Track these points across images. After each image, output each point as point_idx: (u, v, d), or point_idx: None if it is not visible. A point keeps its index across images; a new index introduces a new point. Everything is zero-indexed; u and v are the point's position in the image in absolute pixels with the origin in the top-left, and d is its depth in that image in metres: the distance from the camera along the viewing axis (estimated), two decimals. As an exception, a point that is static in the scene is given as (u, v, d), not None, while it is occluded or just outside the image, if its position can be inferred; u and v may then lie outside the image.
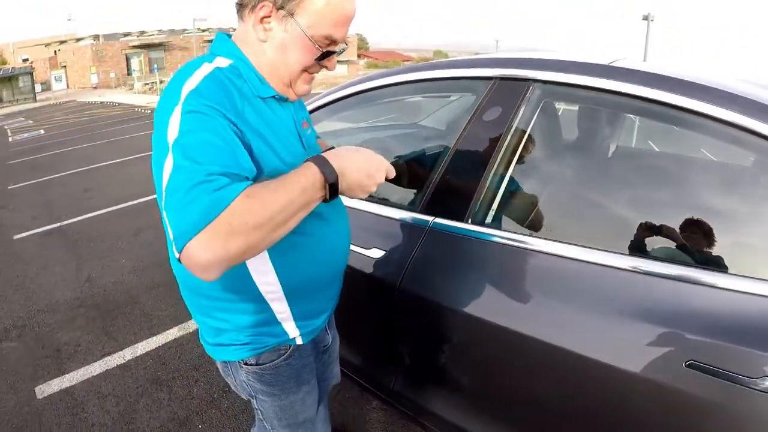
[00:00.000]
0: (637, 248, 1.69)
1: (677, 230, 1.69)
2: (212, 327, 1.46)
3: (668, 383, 1.44)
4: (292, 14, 1.23)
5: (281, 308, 1.41)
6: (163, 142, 1.11)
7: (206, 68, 1.22)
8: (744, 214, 1.71)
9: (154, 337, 3.86)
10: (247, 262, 1.29)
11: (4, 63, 63.52)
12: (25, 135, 21.78)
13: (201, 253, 0.99)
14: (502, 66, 2.11)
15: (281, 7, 1.23)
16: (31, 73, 48.84)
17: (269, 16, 1.25)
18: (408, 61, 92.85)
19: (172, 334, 3.89)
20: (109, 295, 4.67)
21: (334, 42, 1.27)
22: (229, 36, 1.36)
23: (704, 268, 1.51)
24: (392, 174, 1.32)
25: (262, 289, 1.36)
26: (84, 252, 5.88)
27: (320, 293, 1.50)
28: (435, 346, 2.05)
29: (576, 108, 2.41)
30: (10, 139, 20.94)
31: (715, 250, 1.59)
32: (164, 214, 1.08)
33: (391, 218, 2.20)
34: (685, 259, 1.63)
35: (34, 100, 46.18)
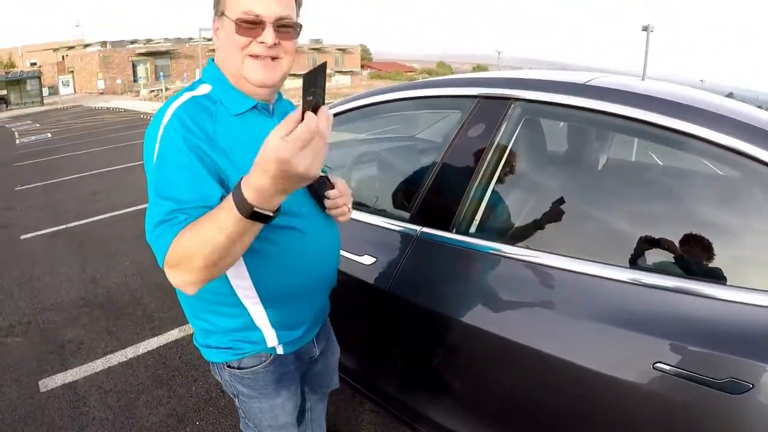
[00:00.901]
0: (613, 256, 1.80)
1: (650, 239, 1.82)
2: (202, 328, 1.59)
3: (639, 383, 1.56)
4: (222, 13, 1.39)
5: (258, 313, 1.50)
6: (150, 178, 1.28)
7: (183, 98, 1.36)
8: (711, 222, 1.84)
9: (156, 338, 3.98)
10: None
11: (13, 66, 63.84)
12: (33, 138, 21.94)
13: (169, 277, 1.17)
14: (486, 85, 2.27)
15: (217, 13, 1.41)
16: (39, 77, 49.05)
17: (217, 28, 1.43)
18: (411, 72, 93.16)
19: (174, 335, 4.02)
20: (113, 295, 4.80)
21: (257, 17, 1.35)
22: (213, 59, 1.51)
23: (674, 276, 1.65)
24: (299, 138, 0.96)
25: (240, 294, 1.46)
26: (89, 253, 6.02)
27: (298, 304, 1.57)
28: (422, 348, 2.19)
29: (559, 123, 2.57)
30: (18, 142, 21.10)
31: (687, 258, 1.73)
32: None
33: (382, 227, 2.34)
34: (658, 267, 1.75)
35: (42, 103, 46.35)
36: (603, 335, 1.65)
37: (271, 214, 1.07)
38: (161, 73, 42.56)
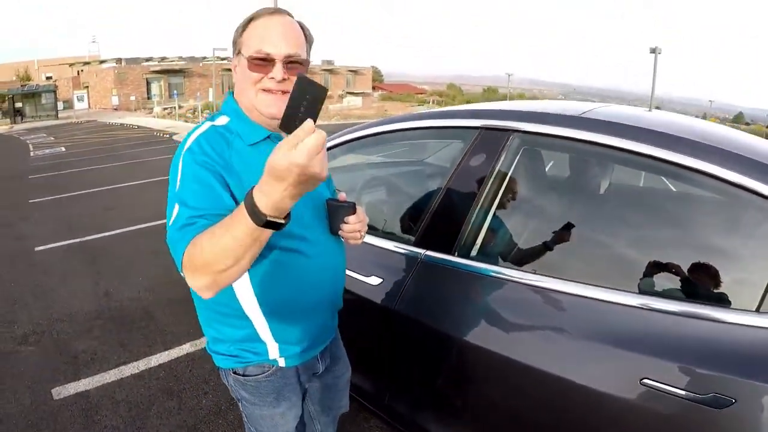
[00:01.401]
0: (605, 278, 1.94)
1: (640, 262, 1.97)
2: (212, 336, 1.72)
3: (627, 398, 1.68)
4: (240, 51, 1.57)
5: (262, 326, 1.61)
6: (172, 190, 1.44)
7: (204, 128, 1.54)
8: (697, 246, 2.01)
9: (167, 351, 4.10)
10: None
11: (29, 79, 64.60)
12: (47, 151, 22.26)
13: (187, 280, 1.29)
14: (487, 117, 2.44)
15: (235, 52, 1.59)
16: (55, 91, 49.61)
17: (235, 64, 1.61)
18: (421, 93, 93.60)
19: (185, 349, 4.14)
20: (125, 309, 4.93)
21: (267, 55, 1.51)
22: (232, 93, 1.68)
23: (662, 297, 1.79)
24: (310, 147, 1.06)
25: (244, 306, 1.58)
26: (102, 267, 6.16)
27: (299, 321, 1.66)
28: (426, 366, 2.31)
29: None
30: (32, 154, 21.43)
31: (674, 280, 1.87)
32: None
33: (389, 250, 2.49)
34: (648, 289, 1.89)
35: (56, 117, 46.76)
36: (594, 353, 1.79)
37: (283, 222, 1.15)
38: (175, 91, 42.95)
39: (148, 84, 54.91)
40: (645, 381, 1.63)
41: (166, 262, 6.17)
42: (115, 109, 50.80)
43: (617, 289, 1.84)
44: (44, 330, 4.50)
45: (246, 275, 1.52)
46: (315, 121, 1.11)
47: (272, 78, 1.52)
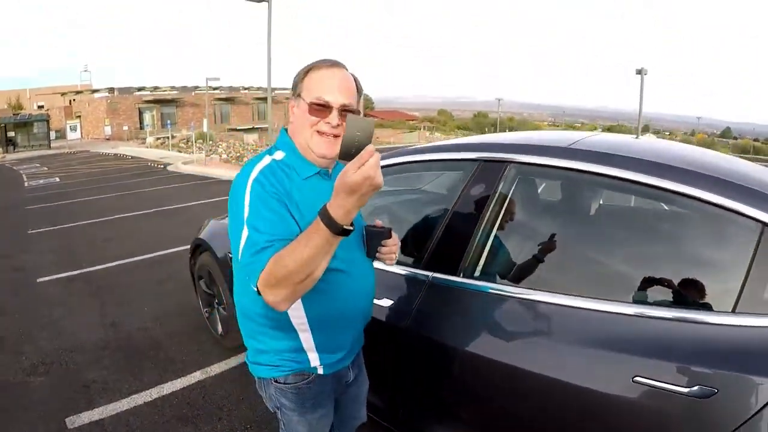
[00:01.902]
0: (597, 290, 2.17)
1: (629, 274, 2.25)
2: (255, 348, 1.91)
3: (622, 395, 1.88)
4: (300, 95, 1.78)
5: (307, 338, 1.82)
6: (240, 217, 1.63)
7: (266, 160, 1.76)
8: (677, 258, 2.23)
9: (179, 379, 4.18)
10: None
11: (21, 108, 64.66)
12: (41, 181, 22.33)
13: (266, 296, 1.53)
14: (485, 150, 2.68)
15: (294, 94, 1.81)
16: (47, 121, 49.54)
17: (293, 105, 1.82)
18: (412, 120, 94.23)
19: (196, 377, 4.22)
20: (133, 339, 5.00)
21: (326, 102, 1.72)
22: (286, 129, 1.89)
23: (649, 305, 2.03)
24: (372, 164, 1.38)
25: (293, 321, 1.79)
26: (107, 299, 6.22)
27: (339, 332, 1.89)
28: (436, 380, 2.49)
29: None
30: (26, 185, 21.50)
31: (659, 289, 2.08)
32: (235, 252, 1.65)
33: (398, 273, 2.68)
34: (637, 297, 2.11)
35: (49, 147, 46.73)
36: (590, 357, 1.99)
37: (352, 228, 1.46)
38: (168, 121, 43.02)
39: (141, 114, 55.03)
40: (637, 379, 1.83)
41: (170, 292, 6.32)
42: (108, 139, 50.87)
43: (609, 300, 2.05)
44: (53, 360, 4.55)
45: None
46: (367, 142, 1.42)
47: (328, 123, 1.74)
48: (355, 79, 1.84)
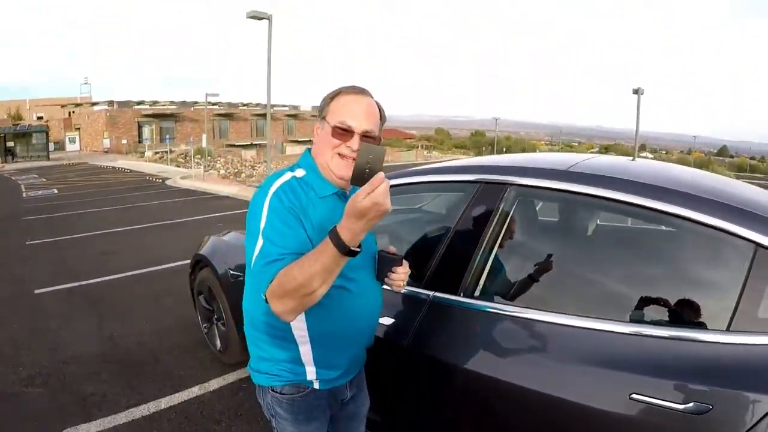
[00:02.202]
0: (595, 309, 2.24)
1: (626, 294, 2.31)
2: (257, 355, 1.97)
3: (619, 413, 1.92)
4: (324, 118, 1.87)
5: (306, 351, 1.87)
6: (256, 227, 1.71)
7: (286, 177, 1.84)
8: (673, 278, 2.28)
9: (177, 393, 4.19)
10: None
11: (20, 119, 64.76)
12: (39, 192, 22.32)
13: (273, 306, 1.62)
14: (486, 173, 2.73)
15: (320, 116, 1.91)
16: (46, 132, 49.54)
17: (318, 127, 1.91)
18: (410, 138, 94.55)
19: (194, 392, 4.23)
20: (131, 353, 5.01)
21: (349, 127, 1.81)
22: (309, 150, 1.98)
23: (645, 324, 2.09)
24: (381, 191, 1.47)
25: (295, 332, 1.85)
26: (105, 312, 6.23)
27: (337, 349, 1.93)
28: (437, 397, 2.52)
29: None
30: (24, 195, 21.48)
31: (656, 309, 2.13)
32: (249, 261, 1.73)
33: (400, 293, 2.65)
34: (633, 317, 2.16)
35: (48, 158, 46.68)
36: (588, 375, 2.04)
37: (359, 250, 1.54)
38: (167, 136, 43.16)
39: (140, 127, 55.21)
40: (633, 396, 1.88)
41: (168, 307, 6.33)
42: (106, 152, 50.94)
43: (606, 319, 2.10)
44: (50, 372, 4.56)
45: None
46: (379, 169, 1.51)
47: (349, 146, 1.82)
48: (380, 107, 1.92)
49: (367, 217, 1.47)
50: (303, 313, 1.76)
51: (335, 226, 1.53)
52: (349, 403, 2.12)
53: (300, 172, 1.88)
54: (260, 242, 1.68)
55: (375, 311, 2.05)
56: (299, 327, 1.84)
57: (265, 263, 1.64)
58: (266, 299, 1.62)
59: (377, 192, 1.45)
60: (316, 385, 1.93)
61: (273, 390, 1.93)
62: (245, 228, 1.81)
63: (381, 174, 1.48)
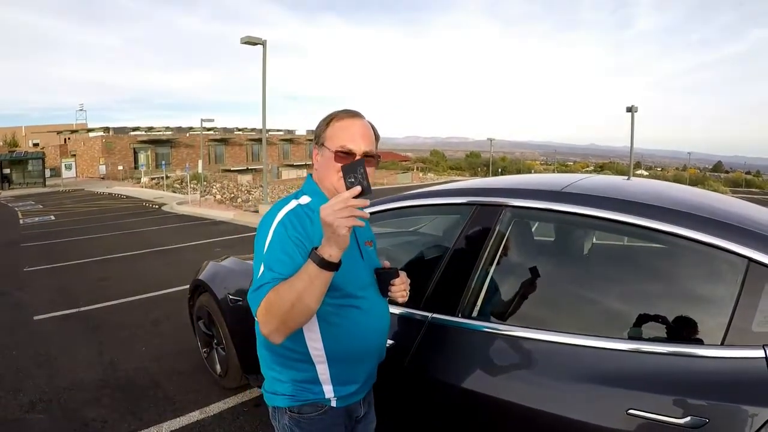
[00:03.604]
0: (590, 328, 2.31)
1: (620, 311, 2.38)
2: (272, 378, 2.00)
3: (616, 428, 1.96)
4: (323, 144, 1.94)
5: (323, 370, 1.93)
6: (260, 254, 1.80)
7: (291, 205, 1.89)
8: (666, 295, 2.34)
9: (178, 418, 4.20)
10: (303, 330, 1.86)
11: (16, 145, 64.92)
12: (36, 219, 22.37)
13: (261, 327, 1.70)
14: (482, 195, 2.79)
15: (317, 144, 1.98)
16: (43, 158, 49.72)
17: (317, 153, 1.99)
18: (406, 161, 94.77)
19: (195, 416, 4.24)
20: (131, 378, 5.02)
21: (350, 150, 1.89)
22: (311, 175, 2.05)
23: (641, 340, 2.14)
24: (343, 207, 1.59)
25: (312, 353, 1.91)
26: (104, 338, 6.24)
27: (353, 364, 1.99)
28: (434, 415, 2.57)
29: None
30: (21, 222, 21.49)
31: (651, 325, 2.18)
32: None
33: (399, 314, 2.75)
34: (630, 333, 2.21)
35: (44, 185, 46.79)
36: (585, 392, 2.08)
37: (336, 262, 1.63)
38: (163, 162, 43.23)
39: (136, 153, 55.29)
40: (631, 412, 1.92)
41: (168, 332, 6.36)
42: (103, 178, 50.99)
43: (602, 336, 2.15)
44: (51, 398, 4.58)
45: (317, 327, 1.89)
46: (367, 185, 1.63)
47: None
48: (373, 127, 2.02)
49: (329, 227, 1.58)
50: (319, 333, 1.86)
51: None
52: (361, 420, 2.17)
53: (305, 199, 1.94)
54: (261, 268, 1.75)
55: (385, 326, 2.12)
56: (315, 347, 1.90)
57: (258, 286, 1.71)
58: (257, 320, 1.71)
59: (331, 205, 1.58)
60: (333, 403, 1.97)
61: (291, 411, 1.96)
62: (253, 252, 1.89)
63: (357, 188, 1.60)
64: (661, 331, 2.14)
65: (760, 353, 1.83)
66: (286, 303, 1.63)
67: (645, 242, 2.58)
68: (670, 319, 2.14)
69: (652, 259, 2.70)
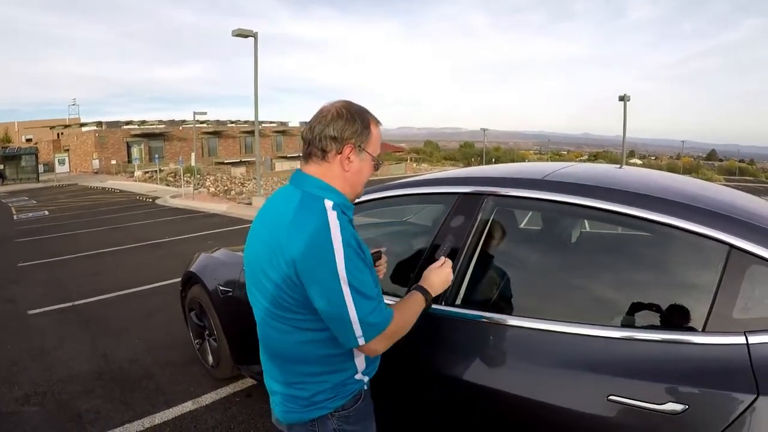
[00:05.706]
0: (573, 315, 2.30)
1: (601, 298, 2.42)
2: (315, 391, 1.89)
3: (597, 414, 2.01)
4: (363, 148, 1.89)
5: (360, 361, 1.96)
6: (335, 275, 1.71)
7: (333, 215, 1.76)
8: (647, 281, 2.38)
9: (170, 409, 4.25)
10: None
11: (9, 141, 64.63)
12: (30, 214, 22.30)
13: (378, 347, 1.84)
14: (464, 184, 2.82)
15: (357, 146, 1.87)
16: (36, 154, 49.51)
17: (353, 154, 1.87)
18: (399, 152, 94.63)
19: (188, 407, 4.29)
20: (125, 370, 5.07)
21: (378, 154, 1.95)
22: (300, 172, 1.93)
23: (622, 327, 2.17)
24: (451, 277, 2.23)
25: (355, 350, 1.92)
26: (98, 331, 6.29)
27: None
28: (418, 403, 2.63)
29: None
30: (15, 218, 21.44)
31: (631, 312, 2.23)
32: (343, 314, 1.74)
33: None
34: (610, 320, 2.26)
35: (38, 180, 46.58)
36: (567, 378, 2.12)
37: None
38: (156, 155, 43.10)
39: (129, 147, 55.07)
40: (611, 397, 1.95)
41: (160, 324, 6.40)
42: (96, 173, 50.77)
43: (584, 323, 2.18)
44: (45, 391, 4.62)
45: None
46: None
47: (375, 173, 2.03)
48: None
49: (445, 285, 2.19)
50: None
51: (423, 287, 2.11)
52: None
53: (329, 203, 1.80)
54: (350, 298, 1.71)
55: None
56: None
57: (367, 313, 1.74)
58: (367, 342, 1.77)
59: (446, 276, 2.19)
60: (365, 381, 2.03)
61: (337, 411, 1.91)
62: (269, 251, 1.81)
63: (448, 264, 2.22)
64: (642, 318, 2.17)
65: (740, 339, 1.85)
66: (402, 330, 1.91)
67: (626, 230, 2.63)
68: (652, 305, 2.18)
69: (634, 247, 2.74)
